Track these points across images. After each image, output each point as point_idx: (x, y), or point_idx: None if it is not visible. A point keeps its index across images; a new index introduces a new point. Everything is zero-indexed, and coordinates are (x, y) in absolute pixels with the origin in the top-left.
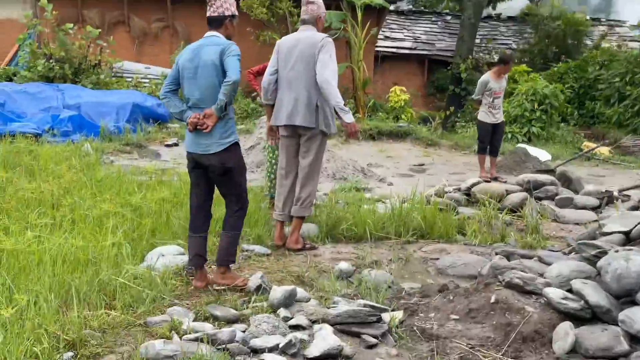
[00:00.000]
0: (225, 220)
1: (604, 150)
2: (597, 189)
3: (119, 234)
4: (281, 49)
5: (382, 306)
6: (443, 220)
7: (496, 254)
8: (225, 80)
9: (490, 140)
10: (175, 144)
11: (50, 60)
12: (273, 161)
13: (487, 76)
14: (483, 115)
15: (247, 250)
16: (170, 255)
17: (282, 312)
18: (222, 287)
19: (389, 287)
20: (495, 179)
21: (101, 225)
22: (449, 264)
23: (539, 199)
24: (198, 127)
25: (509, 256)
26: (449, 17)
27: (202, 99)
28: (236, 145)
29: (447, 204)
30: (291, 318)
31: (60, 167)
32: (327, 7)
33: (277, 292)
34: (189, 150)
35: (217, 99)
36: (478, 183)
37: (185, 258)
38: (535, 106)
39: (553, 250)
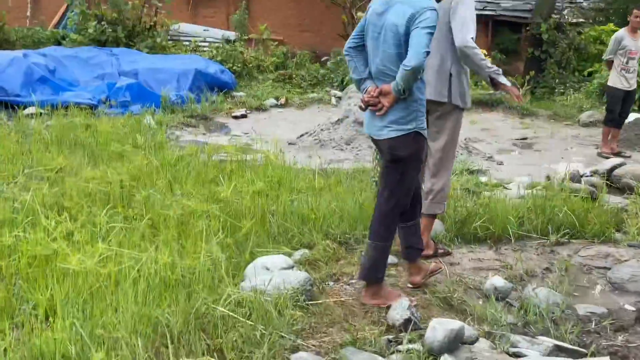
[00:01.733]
0: (372, 224)
1: None
2: None
3: (213, 243)
4: None
5: (577, 348)
6: (597, 214)
7: None
8: (404, 63)
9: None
10: (244, 116)
11: (102, 22)
12: None
13: (623, 32)
14: (614, 79)
15: None
16: (276, 269)
17: None
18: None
19: (563, 312)
20: (618, 154)
21: (186, 229)
22: (628, 277)
23: None
24: (371, 107)
25: None
26: None
27: (382, 70)
28: (418, 135)
29: (590, 192)
30: None
31: (124, 147)
32: None
33: (438, 332)
34: (365, 131)
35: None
36: (621, 165)
37: (296, 274)
38: None
39: None
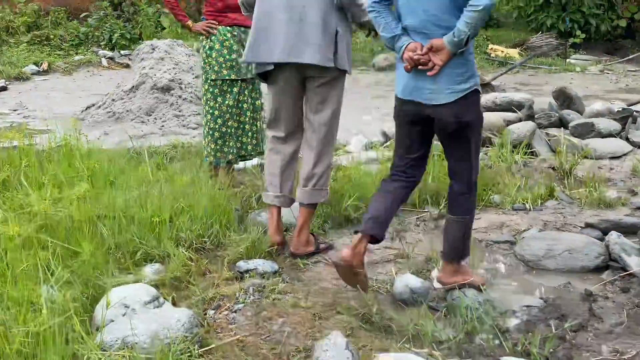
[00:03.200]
0: (452, 199)
1: (513, 53)
2: (607, 107)
3: (52, 285)
4: None
5: None
6: None
7: (601, 230)
8: (471, 3)
9: None
10: (4, 88)
11: None
12: (216, 112)
13: None
14: None
15: (245, 272)
16: (139, 305)
17: None
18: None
19: (494, 309)
20: None
21: (2, 268)
22: (544, 253)
23: (540, 126)
24: (420, 66)
25: (618, 228)
26: None
27: (426, 22)
28: (476, 93)
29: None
30: None
31: None
32: None
33: None
34: (402, 97)
35: (452, 26)
36: None
37: (175, 314)
38: None
39: None
